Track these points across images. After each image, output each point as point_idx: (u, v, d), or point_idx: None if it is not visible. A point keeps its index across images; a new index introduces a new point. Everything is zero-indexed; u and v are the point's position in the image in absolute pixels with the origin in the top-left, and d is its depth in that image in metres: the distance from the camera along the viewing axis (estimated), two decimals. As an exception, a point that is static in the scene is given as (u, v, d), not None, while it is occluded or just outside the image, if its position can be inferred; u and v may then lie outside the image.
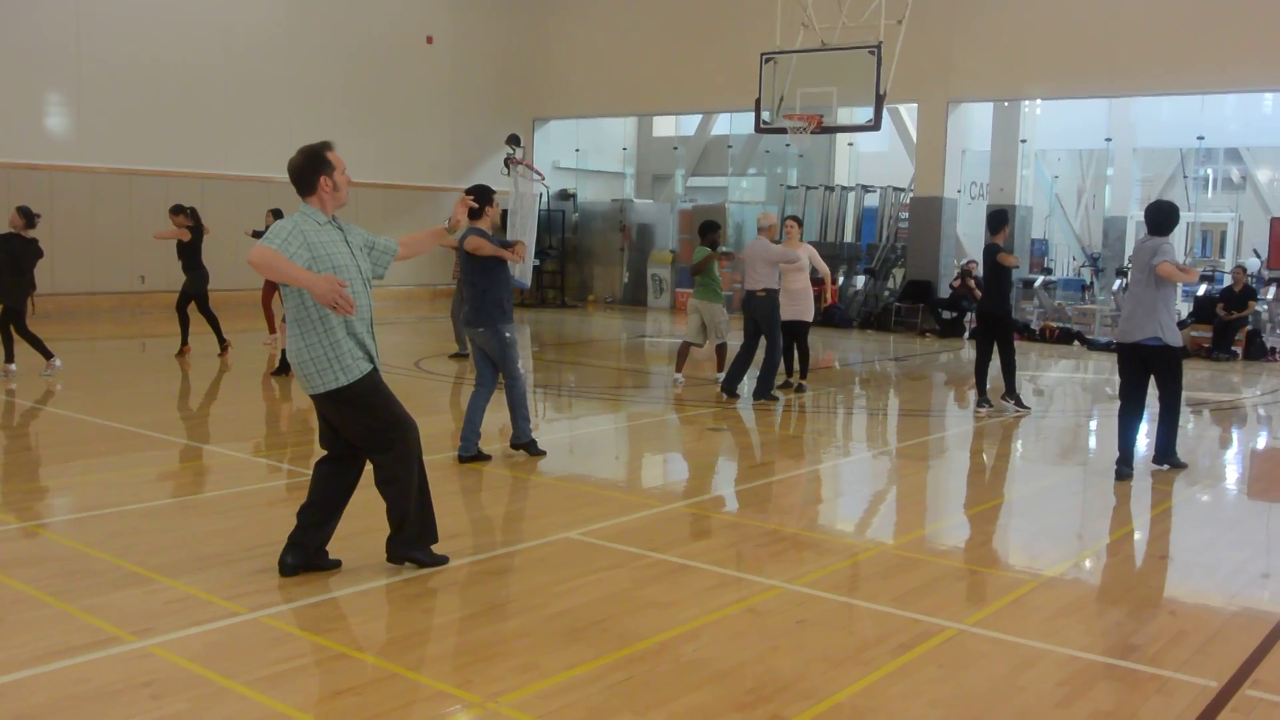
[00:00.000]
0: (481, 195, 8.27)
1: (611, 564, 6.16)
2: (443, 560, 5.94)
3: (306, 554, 5.74)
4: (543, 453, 8.94)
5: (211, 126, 21.44)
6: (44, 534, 6.58)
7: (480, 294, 8.47)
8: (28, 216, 12.43)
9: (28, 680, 4.38)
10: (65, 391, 11.91)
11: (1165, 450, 8.94)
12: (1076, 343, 19.30)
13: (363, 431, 5.63)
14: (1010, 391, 11.83)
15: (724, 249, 13.18)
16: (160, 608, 5.23)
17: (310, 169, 5.61)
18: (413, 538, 5.80)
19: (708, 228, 12.66)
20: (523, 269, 23.30)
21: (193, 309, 14.29)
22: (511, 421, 8.89)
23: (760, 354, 12.19)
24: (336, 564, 5.84)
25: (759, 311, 12.04)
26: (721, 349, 12.98)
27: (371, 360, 5.62)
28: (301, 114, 22.77)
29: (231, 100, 21.73)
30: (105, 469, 8.51)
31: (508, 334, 8.54)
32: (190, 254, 14.19)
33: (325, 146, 5.73)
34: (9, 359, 12.48)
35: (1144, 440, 9.42)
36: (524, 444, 8.90)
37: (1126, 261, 9.90)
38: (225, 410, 11.89)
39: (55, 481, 8.09)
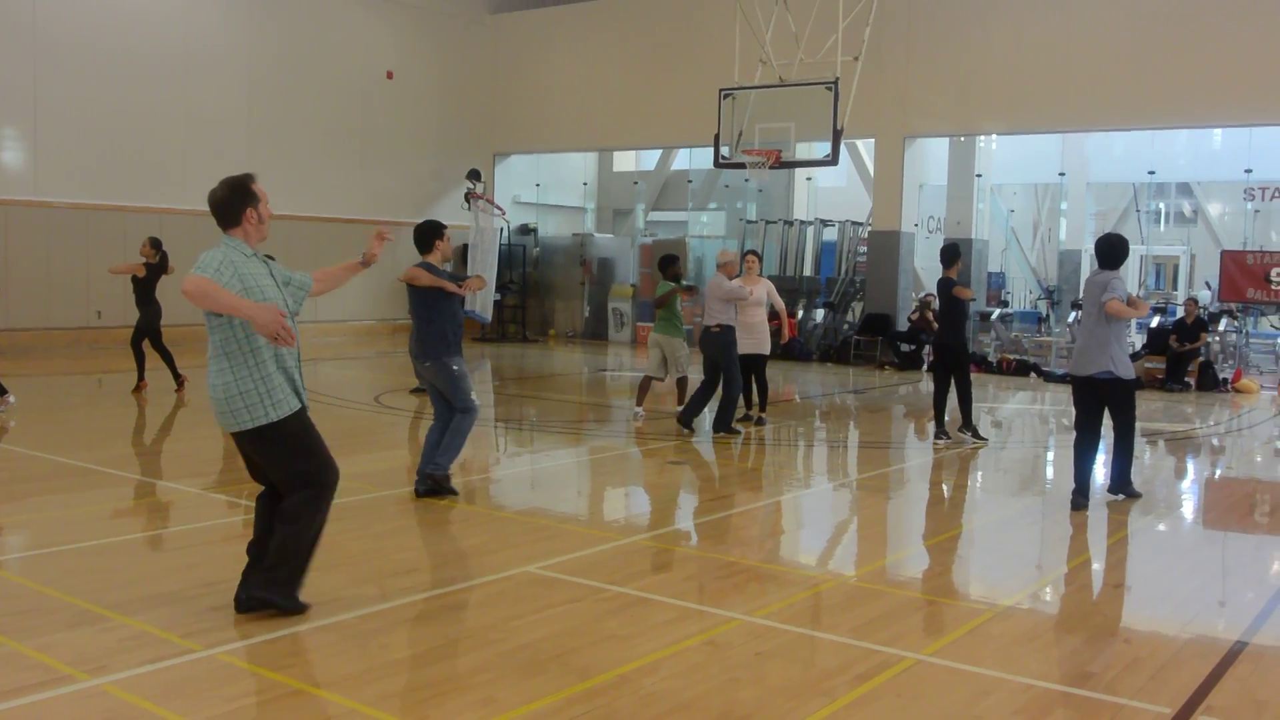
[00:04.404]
0: (431, 230, 8.38)
1: (571, 598, 6.15)
2: (303, 607, 5.60)
3: None
4: (454, 492, 8.56)
5: (169, 161, 21.31)
6: (-4, 572, 6.49)
7: (424, 326, 8.38)
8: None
9: (-22, 720, 4.32)
10: (20, 427, 11.77)
11: (1121, 480, 9.05)
12: (1033, 374, 19.49)
13: (286, 471, 5.49)
14: (967, 423, 11.94)
15: (686, 283, 13.23)
16: (115, 645, 5.17)
17: (236, 201, 5.47)
18: (283, 581, 5.52)
19: (667, 261, 12.72)
20: (484, 303, 23.35)
21: (148, 344, 14.18)
22: (441, 449, 8.48)
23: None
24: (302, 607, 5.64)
25: (712, 347, 12.07)
26: (683, 383, 13.01)
27: (299, 397, 5.51)
28: (261, 148, 22.71)
29: (189, 134, 21.61)
30: (59, 506, 8.40)
31: (454, 367, 8.41)
32: (145, 289, 14.11)
33: (249, 178, 5.61)
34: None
35: (1101, 470, 9.52)
36: (440, 478, 8.49)
37: (1081, 295, 10.08)
38: (181, 446, 11.79)
39: (8, 519, 7.98)
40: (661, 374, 12.82)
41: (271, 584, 5.52)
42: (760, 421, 12.86)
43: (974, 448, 11.70)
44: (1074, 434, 9.01)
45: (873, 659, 5.26)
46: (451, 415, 8.56)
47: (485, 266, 23.17)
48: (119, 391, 14.59)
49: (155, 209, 20.80)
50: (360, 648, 5.33)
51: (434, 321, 8.35)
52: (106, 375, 16.63)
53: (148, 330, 14.13)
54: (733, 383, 12.06)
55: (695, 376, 12.64)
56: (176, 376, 14.35)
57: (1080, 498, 8.73)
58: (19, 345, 18.74)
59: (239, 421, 5.34)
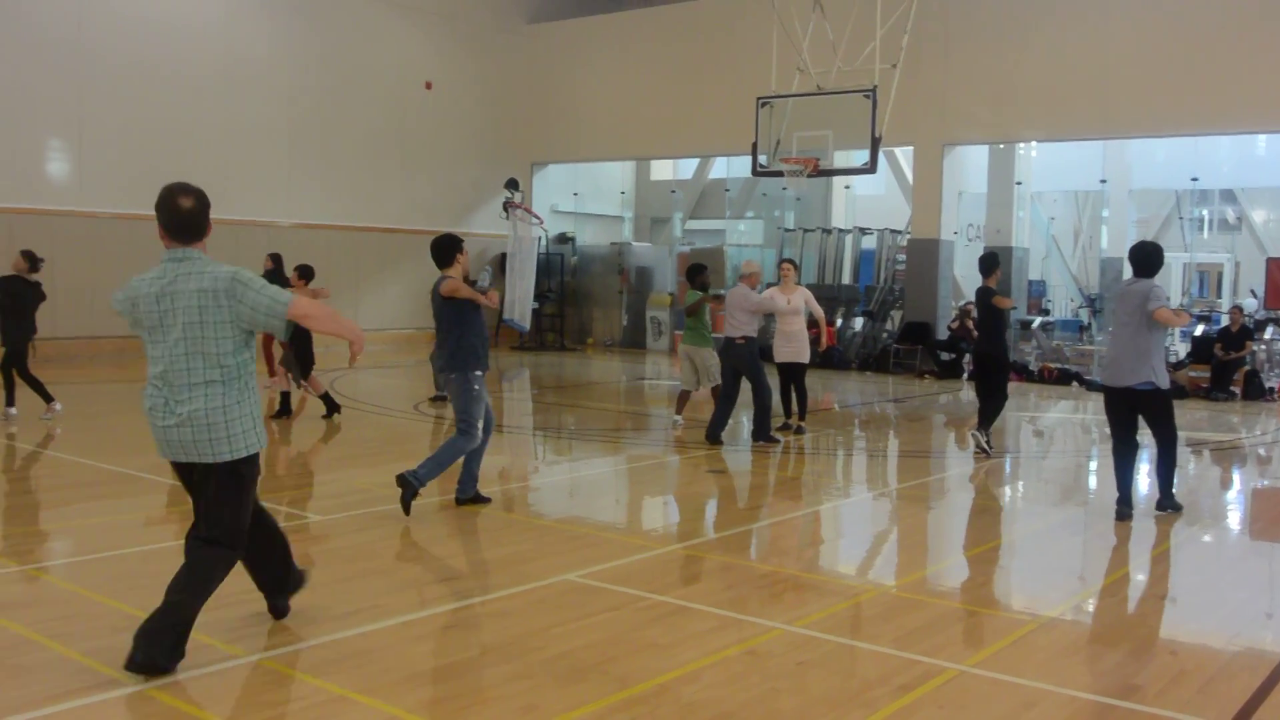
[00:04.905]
0: (452, 244, 8.36)
1: (611, 606, 6.15)
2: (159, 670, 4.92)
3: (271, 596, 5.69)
4: (415, 493, 8.10)
5: (211, 171, 21.47)
6: (44, 577, 6.57)
7: (455, 339, 8.32)
8: (31, 260, 12.49)
9: (27, 724, 4.37)
10: (65, 434, 11.92)
11: (1164, 494, 8.88)
12: (1075, 383, 19.32)
13: (232, 517, 5.08)
14: (982, 426, 11.71)
15: (716, 291, 13.19)
16: (159, 651, 5.21)
17: (208, 212, 5.14)
18: (154, 634, 4.87)
19: (695, 270, 12.71)
20: (522, 311, 23.48)
21: None
22: (426, 462, 8.21)
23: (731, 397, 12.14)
24: (283, 610, 5.69)
25: (738, 359, 12.02)
26: (716, 390, 12.98)
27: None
28: (301, 158, 22.96)
29: (231, 146, 21.85)
30: (104, 512, 8.50)
31: (475, 386, 8.30)
32: None
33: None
34: (10, 403, 12.50)
35: (1145, 479, 9.42)
36: (410, 481, 8.06)
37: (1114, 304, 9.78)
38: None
39: (55, 525, 8.08)
40: (695, 385, 12.81)
41: (148, 637, 4.87)
42: (800, 430, 12.81)
43: (976, 453, 11.52)
44: (1112, 444, 8.91)
45: (915, 669, 5.22)
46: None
47: (523, 275, 23.33)
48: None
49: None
50: (401, 654, 5.35)
51: (465, 335, 8.31)
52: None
53: None
54: (763, 389, 11.99)
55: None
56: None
57: (1124, 508, 8.63)
58: (65, 354, 18.96)
59: (233, 448, 4.97)
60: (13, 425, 12.10)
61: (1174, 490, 8.93)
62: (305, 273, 13.32)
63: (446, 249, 8.36)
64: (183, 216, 4.99)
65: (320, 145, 23.31)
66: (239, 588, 6.32)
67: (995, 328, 11.74)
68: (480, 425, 8.38)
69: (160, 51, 20.73)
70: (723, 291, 13.31)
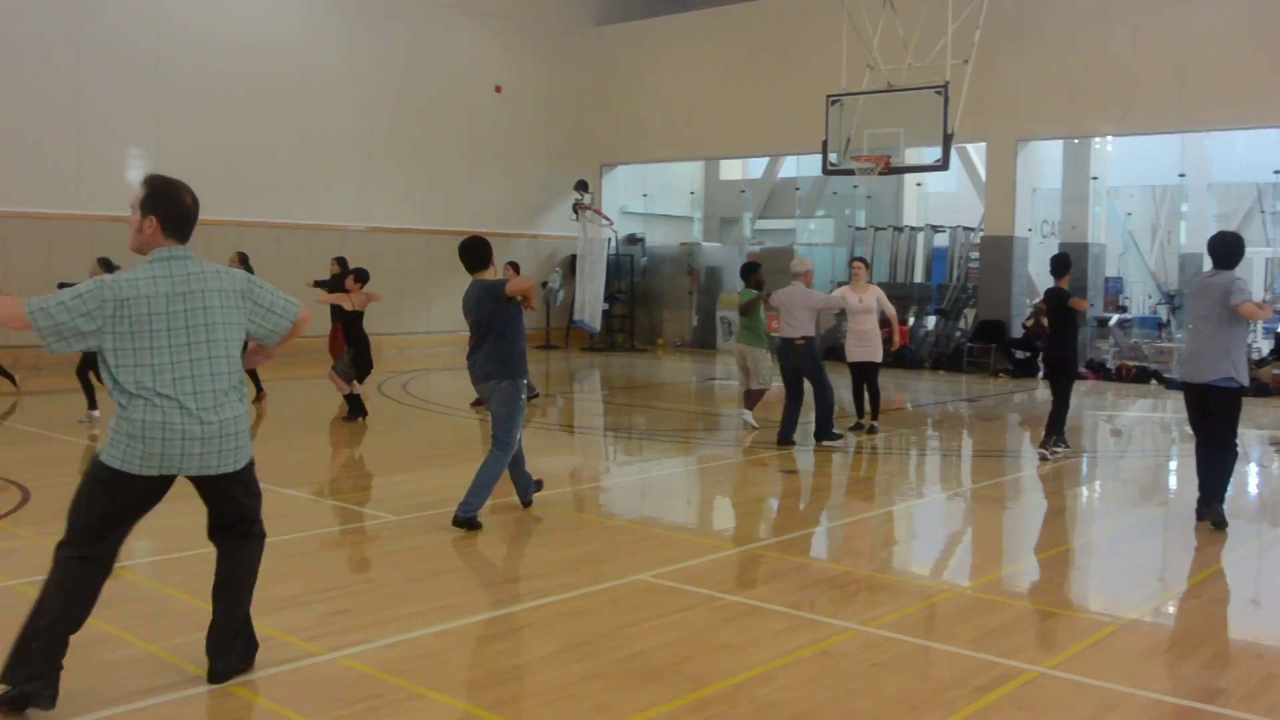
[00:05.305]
0: (487, 247, 8.01)
1: (684, 606, 6.15)
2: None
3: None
4: (479, 526, 7.89)
5: (285, 176, 21.92)
6: (127, 575, 6.70)
7: (505, 344, 7.92)
8: (108, 267, 12.77)
9: (115, 718, 4.46)
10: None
11: (1212, 499, 8.26)
12: (1153, 381, 18.96)
13: (257, 504, 5.05)
14: (1053, 435, 11.32)
15: (770, 291, 13.10)
16: (240, 648, 5.30)
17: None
18: (224, 643, 4.89)
19: (750, 268, 12.66)
20: (592, 313, 23.57)
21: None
22: (472, 493, 7.89)
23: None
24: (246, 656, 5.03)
25: (800, 361, 11.85)
26: (757, 395, 12.85)
27: None
28: (372, 163, 23.24)
29: (305, 150, 22.20)
30: (181, 513, 8.64)
31: (523, 396, 8.06)
32: None
33: None
34: (91, 405, 12.79)
35: (1238, 482, 9.20)
36: (468, 519, 7.85)
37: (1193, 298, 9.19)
38: (291, 454, 11.95)
39: (138, 525, 8.22)
40: (750, 382, 12.74)
41: (223, 644, 4.91)
42: (872, 430, 12.70)
43: (1055, 458, 11.23)
44: (1194, 442, 8.69)
45: (992, 671, 5.16)
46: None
47: (593, 276, 23.41)
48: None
49: (271, 223, 21.43)
50: (476, 653, 5.39)
51: (515, 340, 7.97)
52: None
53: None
54: (826, 390, 11.87)
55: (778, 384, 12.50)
56: (259, 389, 14.70)
57: (1205, 507, 8.42)
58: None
59: (249, 451, 4.89)
60: (95, 427, 12.38)
61: (1225, 501, 8.27)
62: (360, 276, 13.50)
63: (484, 252, 8.00)
64: (189, 212, 4.75)
65: (392, 149, 23.57)
66: (313, 585, 6.42)
67: (1068, 330, 11.38)
68: (519, 437, 8.13)
69: (235, 63, 21.08)
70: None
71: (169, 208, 4.68)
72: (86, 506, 4.67)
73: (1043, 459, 11.14)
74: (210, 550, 5.01)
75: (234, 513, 4.95)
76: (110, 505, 4.68)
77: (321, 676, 5.01)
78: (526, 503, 8.52)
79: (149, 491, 4.74)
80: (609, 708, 4.65)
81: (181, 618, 5.78)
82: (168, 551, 7.35)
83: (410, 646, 5.43)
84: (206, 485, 4.84)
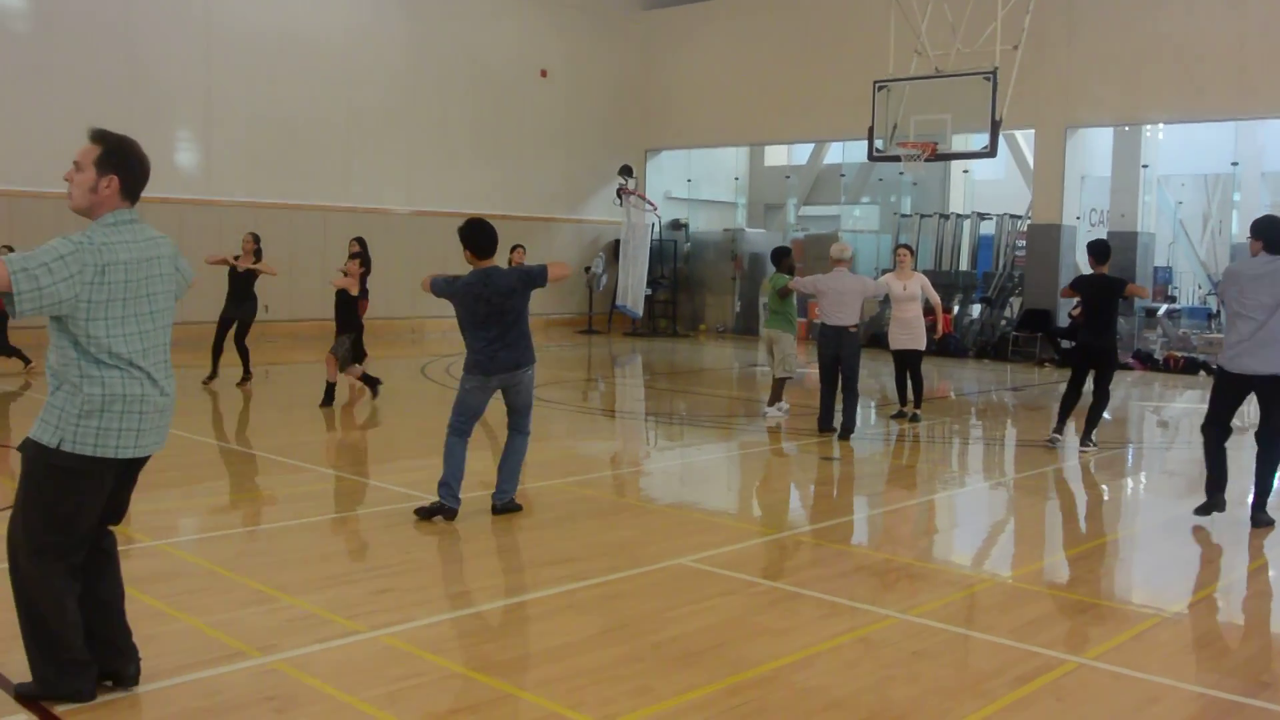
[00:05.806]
0: (493, 232, 7.62)
1: (724, 590, 6.16)
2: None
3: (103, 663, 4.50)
4: (519, 507, 7.84)
5: (333, 160, 22.08)
6: (174, 552, 6.80)
7: (527, 329, 7.64)
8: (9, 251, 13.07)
9: (160, 692, 4.54)
10: (191, 416, 12.29)
11: (1259, 501, 8.09)
12: (1202, 372, 18.73)
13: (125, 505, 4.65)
14: (1088, 436, 11.08)
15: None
16: (283, 625, 5.38)
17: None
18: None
19: (781, 253, 12.60)
20: (635, 298, 23.60)
21: (232, 337, 14.72)
22: (507, 477, 7.80)
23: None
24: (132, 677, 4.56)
25: (848, 348, 11.62)
26: (781, 384, 12.71)
27: None
28: (419, 147, 23.35)
29: (352, 134, 22.36)
30: (229, 490, 8.77)
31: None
32: (249, 284, 14.72)
33: None
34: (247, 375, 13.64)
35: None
36: (508, 504, 7.79)
37: (1240, 286, 8.60)
38: (337, 436, 12.10)
39: (183, 502, 8.35)
40: (775, 370, 12.60)
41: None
42: (915, 418, 12.64)
43: (1087, 454, 10.97)
44: (1243, 435, 8.48)
45: (1032, 661, 5.13)
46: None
47: (636, 262, 23.43)
48: (287, 384, 15.17)
49: (319, 206, 21.60)
50: (518, 634, 5.44)
51: (526, 326, 7.68)
52: (273, 367, 17.24)
53: (247, 323, 14.80)
54: (857, 381, 11.81)
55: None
56: (248, 372, 14.79)
57: (1219, 497, 8.10)
58: (192, 338, 19.56)
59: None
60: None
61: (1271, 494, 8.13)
62: (362, 244, 14.56)
63: (491, 237, 7.58)
64: (147, 173, 4.39)
65: (437, 133, 23.67)
66: (358, 565, 6.49)
67: (1109, 318, 10.91)
68: None
69: (283, 41, 21.24)
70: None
71: (131, 167, 4.32)
72: (55, 507, 4.25)
73: (1083, 452, 11.01)
74: (253, 529, 5.05)
75: (118, 510, 4.55)
76: (91, 499, 4.30)
77: (364, 654, 5.07)
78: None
79: (115, 478, 4.39)
80: (648, 690, 4.68)
81: (226, 594, 5.87)
82: (213, 530, 7.46)
83: (452, 626, 5.48)
84: (131, 471, 4.49)
